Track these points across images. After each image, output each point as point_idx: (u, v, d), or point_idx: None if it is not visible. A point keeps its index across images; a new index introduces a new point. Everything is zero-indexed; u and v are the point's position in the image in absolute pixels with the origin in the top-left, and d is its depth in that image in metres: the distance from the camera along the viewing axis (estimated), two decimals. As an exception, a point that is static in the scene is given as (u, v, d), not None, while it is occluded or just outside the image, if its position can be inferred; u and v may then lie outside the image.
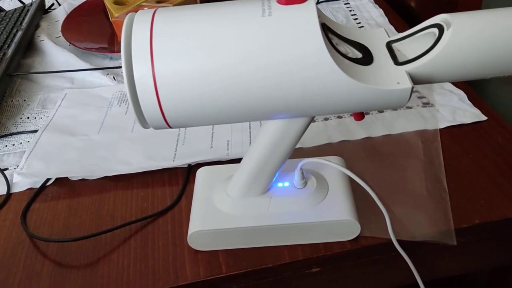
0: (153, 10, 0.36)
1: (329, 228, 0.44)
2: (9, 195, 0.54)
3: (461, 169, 0.51)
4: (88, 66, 0.74)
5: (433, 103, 0.60)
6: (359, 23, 0.81)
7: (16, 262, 0.46)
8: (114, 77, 0.72)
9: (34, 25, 0.86)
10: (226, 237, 0.44)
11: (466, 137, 0.55)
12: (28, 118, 0.66)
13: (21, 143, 0.61)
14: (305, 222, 0.43)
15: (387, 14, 0.82)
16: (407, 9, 0.88)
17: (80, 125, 0.63)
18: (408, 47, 0.37)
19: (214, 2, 0.36)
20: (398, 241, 0.43)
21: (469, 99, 0.60)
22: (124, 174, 0.54)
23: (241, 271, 0.43)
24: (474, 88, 0.62)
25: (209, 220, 0.44)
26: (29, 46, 0.82)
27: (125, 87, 0.34)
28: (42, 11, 0.94)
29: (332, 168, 0.47)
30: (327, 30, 0.36)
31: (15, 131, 0.64)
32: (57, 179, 0.55)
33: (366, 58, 0.36)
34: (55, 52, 0.79)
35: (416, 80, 0.35)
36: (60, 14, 0.94)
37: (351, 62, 0.35)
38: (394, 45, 0.38)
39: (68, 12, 0.90)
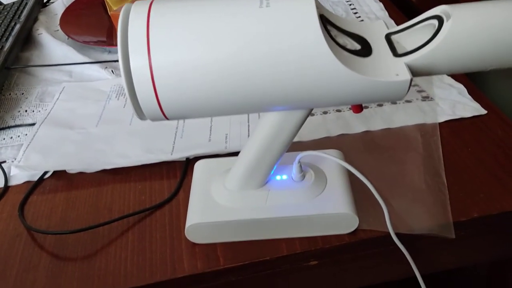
0: (150, 0, 0.35)
1: (327, 221, 0.44)
2: (6, 188, 0.54)
3: (460, 162, 0.51)
4: (86, 59, 0.74)
5: (433, 97, 0.60)
6: (359, 17, 0.80)
7: (14, 255, 0.46)
8: (112, 71, 0.72)
9: (32, 19, 0.86)
10: (224, 230, 0.44)
11: (466, 131, 0.55)
12: (26, 111, 0.66)
13: (19, 136, 0.61)
14: (303, 215, 0.43)
15: (387, 8, 0.81)
16: (407, 3, 0.87)
17: (78, 118, 0.63)
18: (407, 39, 0.37)
19: (212, -7, 0.36)
20: (397, 234, 0.43)
21: (469, 92, 0.60)
22: (122, 167, 0.54)
23: (239, 263, 0.43)
24: (474, 82, 0.62)
25: (206, 212, 0.44)
26: (27, 40, 0.82)
27: (121, 78, 0.34)
28: (41, 4, 0.93)
29: (331, 161, 0.47)
30: (325, 21, 0.36)
31: (13, 124, 0.63)
32: (54, 172, 0.55)
33: (365, 50, 0.36)
34: (53, 45, 0.78)
35: (415, 72, 0.35)
36: (58, 7, 0.93)
37: (350, 54, 0.35)
38: (393, 37, 0.37)
39: (67, 6, 0.90)
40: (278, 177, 0.45)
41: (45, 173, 0.55)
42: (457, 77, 0.63)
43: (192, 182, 0.48)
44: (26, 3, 0.88)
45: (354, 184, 0.46)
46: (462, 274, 0.82)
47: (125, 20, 0.34)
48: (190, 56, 0.33)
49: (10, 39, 0.76)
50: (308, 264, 0.45)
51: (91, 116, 0.63)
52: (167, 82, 0.34)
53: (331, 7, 0.84)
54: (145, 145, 0.57)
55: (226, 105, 0.35)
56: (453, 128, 0.55)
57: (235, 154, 0.45)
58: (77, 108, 0.65)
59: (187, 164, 0.54)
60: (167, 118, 0.37)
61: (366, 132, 0.56)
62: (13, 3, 0.89)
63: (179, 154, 0.55)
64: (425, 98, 0.60)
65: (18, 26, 0.80)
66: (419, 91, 0.61)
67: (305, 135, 0.56)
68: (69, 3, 0.91)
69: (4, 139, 0.61)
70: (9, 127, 0.63)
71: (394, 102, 0.60)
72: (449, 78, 0.63)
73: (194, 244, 0.45)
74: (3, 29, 0.78)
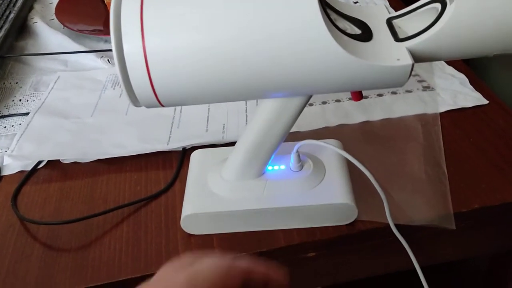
0: (144, -17, 0.34)
1: (326, 212, 0.43)
2: (-1, 177, 0.53)
3: (461, 153, 0.50)
4: (82, 48, 0.72)
5: (434, 87, 0.59)
6: (359, 4, 0.79)
7: (6, 245, 0.45)
8: (108, 60, 0.71)
9: (27, 7, 0.85)
10: (220, 221, 0.43)
11: (467, 121, 0.54)
12: (20, 100, 0.65)
13: (12, 125, 0.60)
14: (301, 205, 0.42)
15: (387, -4, 0.80)
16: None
17: (73, 108, 0.62)
18: (409, 24, 0.36)
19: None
20: (396, 225, 0.42)
21: (470, 83, 0.59)
22: (117, 157, 0.53)
23: (236, 255, 0.42)
24: (476, 72, 0.61)
25: (203, 203, 0.43)
26: (22, 28, 0.80)
27: (115, 64, 0.33)
28: (36, -7, 0.92)
29: (329, 151, 0.46)
30: (325, 5, 0.35)
31: (6, 113, 0.62)
32: (48, 162, 0.54)
33: (365, 34, 0.35)
34: (48, 34, 0.77)
35: (417, 57, 0.34)
36: (54, -4, 0.92)
37: (350, 38, 0.33)
38: (395, 22, 0.36)
39: (62, -6, 0.88)
40: (276, 167, 0.44)
41: (39, 163, 0.54)
42: (459, 66, 0.62)
43: (188, 172, 0.47)
44: (21, -8, 0.86)
45: (353, 175, 0.45)
46: (463, 266, 0.81)
47: (118, 4, 0.33)
48: (185, 41, 0.32)
49: (5, 28, 0.74)
50: (306, 256, 0.45)
51: (86, 105, 0.62)
52: (162, 68, 0.33)
53: (330, -4, 0.83)
54: (141, 135, 0.56)
55: (222, 91, 0.34)
56: (454, 118, 0.54)
57: (233, 144, 0.44)
58: (72, 98, 0.64)
59: (184, 155, 0.53)
60: (162, 105, 0.36)
61: (366, 122, 0.55)
62: (8, -9, 0.87)
63: (176, 144, 0.54)
64: (426, 88, 0.59)
65: (12, 15, 0.78)
66: (420, 81, 0.60)
67: (303, 125, 0.55)
68: (65, -8, 0.89)
69: (-3, 128, 0.60)
70: (2, 117, 0.62)
71: (394, 92, 0.59)
72: (451, 68, 0.62)
73: (189, 235, 0.44)
74: (-3, 18, 0.77)
